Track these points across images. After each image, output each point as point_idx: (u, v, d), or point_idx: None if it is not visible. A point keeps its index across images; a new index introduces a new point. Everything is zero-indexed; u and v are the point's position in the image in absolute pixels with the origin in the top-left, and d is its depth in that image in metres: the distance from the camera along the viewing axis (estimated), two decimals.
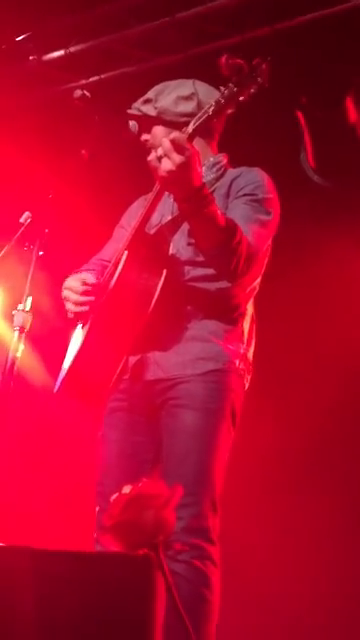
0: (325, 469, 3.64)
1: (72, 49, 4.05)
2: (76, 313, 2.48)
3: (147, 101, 2.53)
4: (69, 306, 2.48)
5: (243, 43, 3.68)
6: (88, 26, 3.99)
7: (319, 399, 3.61)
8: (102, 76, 4.11)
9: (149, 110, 2.51)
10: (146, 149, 2.53)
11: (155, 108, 2.51)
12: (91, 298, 2.44)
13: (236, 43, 3.71)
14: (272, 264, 2.51)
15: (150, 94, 2.55)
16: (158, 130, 2.49)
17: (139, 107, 2.53)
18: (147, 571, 1.53)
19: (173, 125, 2.43)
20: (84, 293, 2.44)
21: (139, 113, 2.51)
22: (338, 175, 3.78)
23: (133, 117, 2.47)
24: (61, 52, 4.09)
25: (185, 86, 2.53)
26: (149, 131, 2.52)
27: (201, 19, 3.77)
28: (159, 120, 2.49)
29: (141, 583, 1.51)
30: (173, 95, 2.51)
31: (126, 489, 1.59)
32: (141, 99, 2.55)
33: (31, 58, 4.14)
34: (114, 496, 1.61)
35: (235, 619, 3.22)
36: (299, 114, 3.79)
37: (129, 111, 2.50)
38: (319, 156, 3.84)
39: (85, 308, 2.45)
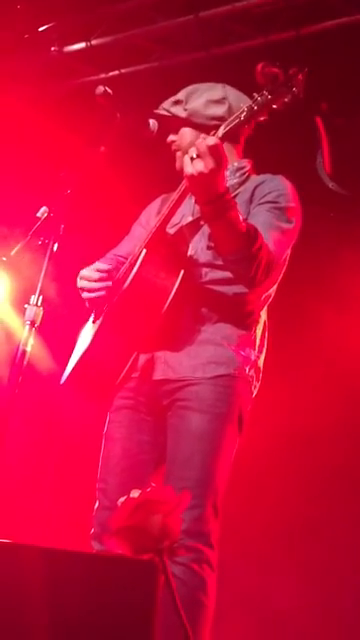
0: (331, 478, 3.62)
1: (94, 42, 4.04)
2: (93, 300, 2.47)
3: (177, 102, 2.51)
4: (86, 295, 2.47)
5: (267, 46, 3.66)
6: (111, 20, 3.98)
7: (327, 406, 3.60)
8: (122, 71, 4.10)
9: (179, 111, 2.49)
10: (169, 149, 2.51)
11: (185, 110, 2.49)
12: (108, 283, 2.43)
13: (260, 45, 3.69)
14: (286, 272, 2.50)
15: (180, 95, 2.52)
16: (186, 132, 2.48)
17: (168, 108, 2.51)
18: (151, 576, 1.53)
19: (202, 128, 2.42)
20: (99, 279, 2.43)
21: (168, 114, 2.49)
22: (354, 183, 3.76)
23: (161, 117, 2.45)
24: (82, 44, 4.08)
25: (216, 90, 2.51)
26: (176, 132, 2.50)
27: (225, 19, 3.75)
28: (188, 122, 2.48)
29: (145, 587, 1.51)
30: (204, 98, 2.48)
31: (134, 493, 1.59)
32: (170, 100, 2.53)
33: (53, 49, 4.13)
34: (122, 499, 1.60)
35: (234, 624, 3.22)
36: (318, 120, 3.77)
37: (157, 111, 2.48)
38: (336, 163, 3.82)
39: (102, 293, 2.44)
